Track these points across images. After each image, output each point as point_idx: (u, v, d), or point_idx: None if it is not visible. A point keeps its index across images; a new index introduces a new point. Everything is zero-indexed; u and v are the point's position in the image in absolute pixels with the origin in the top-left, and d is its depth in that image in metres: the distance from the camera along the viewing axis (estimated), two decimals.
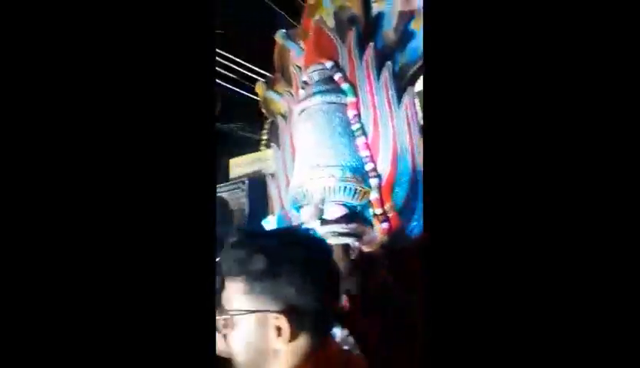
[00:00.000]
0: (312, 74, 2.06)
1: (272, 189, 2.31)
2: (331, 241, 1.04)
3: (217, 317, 0.54)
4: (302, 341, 0.51)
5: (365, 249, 1.02)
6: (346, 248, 1.04)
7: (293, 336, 0.49)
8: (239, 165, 2.83)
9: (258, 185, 2.45)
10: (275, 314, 0.49)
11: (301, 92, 2.11)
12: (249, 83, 4.22)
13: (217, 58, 4.73)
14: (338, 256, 1.02)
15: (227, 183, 2.74)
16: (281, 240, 0.54)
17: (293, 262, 0.50)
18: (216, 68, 4.77)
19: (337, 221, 1.07)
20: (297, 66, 2.33)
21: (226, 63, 4.65)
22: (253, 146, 3.22)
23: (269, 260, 0.49)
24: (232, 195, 2.44)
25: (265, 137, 2.70)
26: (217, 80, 4.80)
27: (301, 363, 0.50)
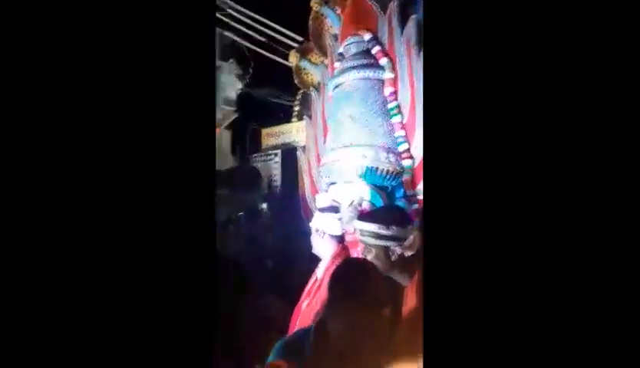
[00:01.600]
0: (349, 46, 1.97)
1: (302, 162, 2.33)
2: (372, 242, 1.05)
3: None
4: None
5: (406, 253, 1.03)
6: (386, 250, 1.05)
7: None
8: (271, 136, 2.85)
9: (290, 157, 2.48)
10: None
11: (337, 65, 2.03)
12: (283, 49, 4.11)
13: (249, 20, 4.60)
14: (378, 257, 1.04)
15: (261, 153, 2.79)
16: None
17: None
18: (248, 31, 4.66)
19: (377, 221, 1.07)
20: (333, 35, 2.23)
21: (258, 26, 4.53)
22: (285, 114, 3.21)
23: None
24: (265, 166, 2.50)
25: (296, 108, 2.67)
26: (249, 44, 4.72)
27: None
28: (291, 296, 1.60)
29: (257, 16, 4.59)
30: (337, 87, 1.96)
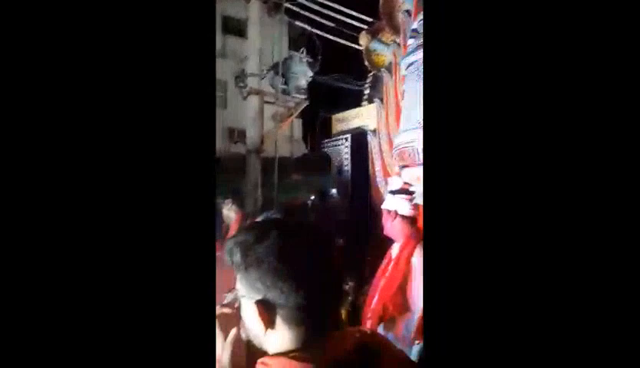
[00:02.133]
0: (424, 22, 1.87)
1: (373, 146, 2.31)
2: None
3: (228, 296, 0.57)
4: (285, 335, 0.50)
5: None
6: None
7: (267, 325, 0.49)
8: (341, 121, 2.87)
9: (360, 142, 2.47)
10: (253, 302, 0.49)
11: (410, 42, 1.94)
12: (350, 32, 4.05)
13: (315, 6, 4.63)
14: None
15: (330, 139, 2.83)
16: (257, 234, 0.52)
17: (257, 256, 0.49)
18: (315, 17, 4.69)
19: None
20: (406, 11, 2.13)
21: (324, 10, 4.52)
22: (355, 99, 3.18)
23: (243, 253, 0.50)
24: (336, 151, 2.53)
25: (367, 92, 2.63)
26: (316, 31, 4.75)
27: (298, 349, 0.49)
28: (362, 274, 1.62)
29: (326, 1, 4.61)
30: (410, 65, 1.88)
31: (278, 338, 0.50)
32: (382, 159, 2.26)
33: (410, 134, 1.78)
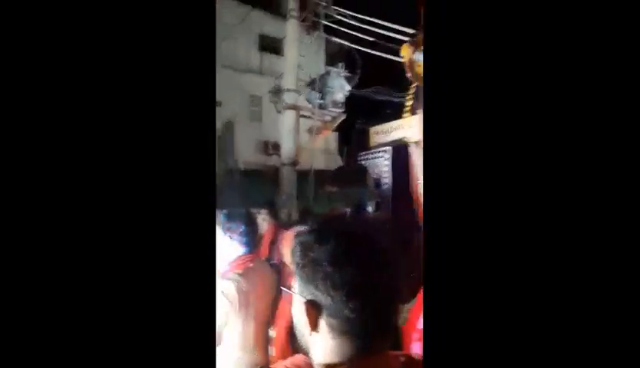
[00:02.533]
0: None
1: (416, 158, 2.24)
2: None
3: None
4: (329, 341, 0.48)
5: None
6: None
7: (312, 327, 0.48)
8: (380, 133, 2.83)
9: (401, 154, 2.41)
10: (303, 301, 0.49)
11: None
12: (391, 45, 4.05)
13: (354, 22, 4.70)
14: None
15: (369, 151, 2.79)
16: (317, 234, 0.51)
17: (315, 258, 0.48)
18: (352, 32, 4.76)
19: None
20: None
21: (367, 26, 4.57)
22: (394, 111, 3.14)
23: (302, 252, 0.49)
24: (374, 164, 2.49)
25: (409, 103, 2.58)
26: (358, 47, 4.80)
27: (335, 365, 0.47)
28: (408, 292, 1.53)
29: (364, 17, 4.66)
30: None
31: (322, 345, 0.49)
32: None
33: None
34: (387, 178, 2.49)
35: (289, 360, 0.55)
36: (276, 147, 5.59)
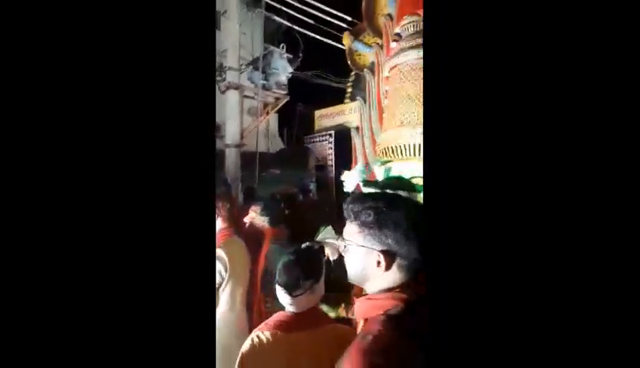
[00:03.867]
0: (407, 26, 1.99)
1: (357, 143, 2.41)
2: None
3: (338, 242, 0.76)
4: (395, 275, 0.70)
5: None
6: None
7: (387, 268, 0.70)
8: (324, 117, 2.95)
9: (343, 138, 2.57)
10: (377, 252, 0.69)
11: (393, 45, 2.06)
12: (334, 32, 4.14)
13: (300, 5, 4.66)
14: None
15: (315, 135, 2.92)
16: (387, 203, 0.72)
17: (393, 220, 0.69)
18: (299, 15, 4.74)
19: None
20: (388, 15, 2.24)
21: (309, 9, 4.57)
22: (337, 97, 3.27)
23: (376, 216, 0.70)
24: (320, 147, 2.62)
25: (349, 90, 2.73)
26: (300, 28, 4.79)
27: (398, 288, 0.69)
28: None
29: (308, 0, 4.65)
30: (394, 67, 2.00)
31: (386, 279, 0.69)
32: (365, 156, 2.38)
33: (392, 132, 1.91)
34: (331, 161, 2.65)
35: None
36: (219, 129, 5.45)
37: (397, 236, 0.68)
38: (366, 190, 1.83)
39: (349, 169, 2.48)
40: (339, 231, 0.77)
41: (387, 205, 0.70)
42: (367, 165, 2.29)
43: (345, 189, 2.04)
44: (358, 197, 0.75)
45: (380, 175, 1.96)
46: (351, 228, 0.73)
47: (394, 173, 1.90)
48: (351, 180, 2.11)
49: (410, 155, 1.83)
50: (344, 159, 2.55)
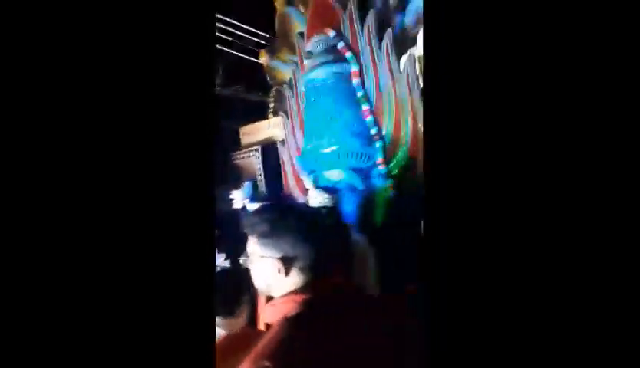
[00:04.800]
0: (316, 44, 2.13)
1: (284, 155, 2.48)
2: None
3: (242, 259, 0.79)
4: (295, 278, 0.73)
5: None
6: None
7: (287, 273, 0.72)
8: (249, 133, 2.97)
9: (271, 152, 2.62)
10: (275, 259, 0.72)
11: (307, 62, 2.19)
12: (253, 48, 4.19)
13: (219, 24, 4.62)
14: None
15: (241, 151, 2.91)
16: (280, 212, 0.77)
17: (286, 227, 0.74)
18: (218, 33, 4.69)
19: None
20: (299, 33, 2.37)
21: (228, 28, 4.57)
22: (260, 112, 3.32)
23: (270, 225, 0.74)
24: (247, 162, 2.62)
25: (272, 104, 2.81)
26: (219, 46, 4.75)
27: (298, 290, 0.72)
28: None
29: (224, 17, 4.63)
30: (308, 83, 2.12)
31: (288, 283, 0.72)
32: (293, 167, 2.46)
33: (313, 143, 2.03)
34: (260, 176, 2.68)
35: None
36: None
37: (292, 241, 0.72)
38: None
39: (279, 182, 2.53)
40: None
41: (280, 214, 0.75)
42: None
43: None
44: (255, 211, 0.79)
45: (308, 183, 2.05)
46: (251, 241, 0.76)
47: (322, 182, 2.01)
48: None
49: (331, 163, 1.96)
50: (273, 172, 2.60)
